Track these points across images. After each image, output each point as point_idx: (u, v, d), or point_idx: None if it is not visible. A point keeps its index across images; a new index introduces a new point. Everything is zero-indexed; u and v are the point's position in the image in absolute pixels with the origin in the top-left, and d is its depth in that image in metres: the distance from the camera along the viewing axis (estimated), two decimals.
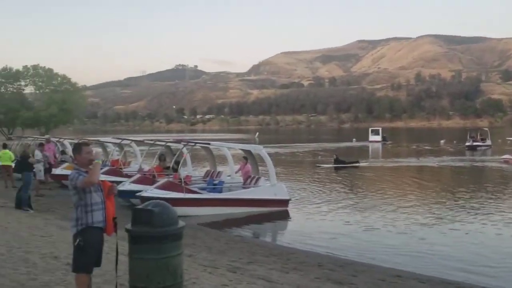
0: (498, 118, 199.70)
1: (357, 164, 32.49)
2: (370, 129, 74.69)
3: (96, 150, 6.05)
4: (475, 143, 50.97)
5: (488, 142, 53.10)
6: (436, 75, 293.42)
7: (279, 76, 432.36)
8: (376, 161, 38.47)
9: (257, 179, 16.31)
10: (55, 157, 21.41)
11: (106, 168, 19.14)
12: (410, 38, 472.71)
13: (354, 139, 71.58)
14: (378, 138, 68.26)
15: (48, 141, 22.15)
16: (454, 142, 60.27)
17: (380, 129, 73.36)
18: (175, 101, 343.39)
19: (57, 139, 27.55)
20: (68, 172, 20.38)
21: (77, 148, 5.19)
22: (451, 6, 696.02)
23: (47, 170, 19.00)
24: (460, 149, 49.95)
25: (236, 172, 18.22)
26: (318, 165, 33.36)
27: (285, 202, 16.03)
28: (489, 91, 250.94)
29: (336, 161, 32.29)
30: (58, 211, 13.63)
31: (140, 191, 14.83)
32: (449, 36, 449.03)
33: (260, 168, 17.63)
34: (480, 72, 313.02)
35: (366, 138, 69.93)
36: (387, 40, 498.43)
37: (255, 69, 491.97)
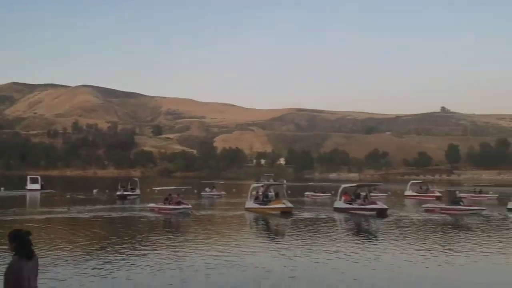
0: (149, 168, 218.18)
1: None
2: (28, 177, 71.65)
3: None
4: (125, 193, 54.78)
5: (138, 191, 57.83)
6: (93, 125, 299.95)
7: None
8: (33, 211, 37.54)
9: None
10: None
11: None
12: (69, 87, 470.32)
13: (2, 188, 66.18)
14: (37, 186, 66.84)
15: None
16: (107, 191, 63.20)
17: (39, 177, 71.30)
18: None
19: None
20: None
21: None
22: (110, 60, 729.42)
23: None
24: (112, 198, 52.81)
25: None
26: None
27: None
28: (142, 143, 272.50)
29: None
30: None
31: None
32: (107, 88, 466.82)
33: None
34: (135, 126, 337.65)
35: (21, 186, 66.84)
36: (45, 86, 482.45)
37: None
